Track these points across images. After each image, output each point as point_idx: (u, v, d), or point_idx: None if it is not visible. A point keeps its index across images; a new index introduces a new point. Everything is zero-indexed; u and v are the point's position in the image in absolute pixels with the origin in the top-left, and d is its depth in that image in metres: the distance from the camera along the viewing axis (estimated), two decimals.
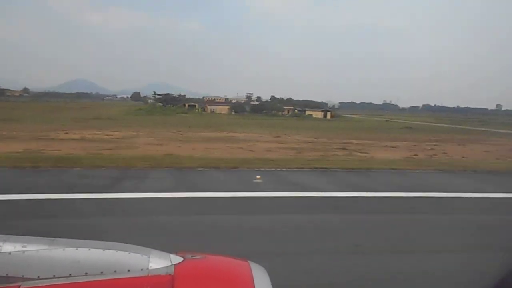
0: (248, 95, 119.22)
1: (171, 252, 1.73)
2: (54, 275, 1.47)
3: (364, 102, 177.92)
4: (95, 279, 1.48)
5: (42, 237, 1.65)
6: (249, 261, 1.82)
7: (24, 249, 1.52)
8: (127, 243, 1.69)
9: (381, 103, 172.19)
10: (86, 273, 1.49)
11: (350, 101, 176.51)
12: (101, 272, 1.50)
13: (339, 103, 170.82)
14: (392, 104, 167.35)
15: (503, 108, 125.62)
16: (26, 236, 1.64)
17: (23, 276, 1.45)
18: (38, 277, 1.46)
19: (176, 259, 1.68)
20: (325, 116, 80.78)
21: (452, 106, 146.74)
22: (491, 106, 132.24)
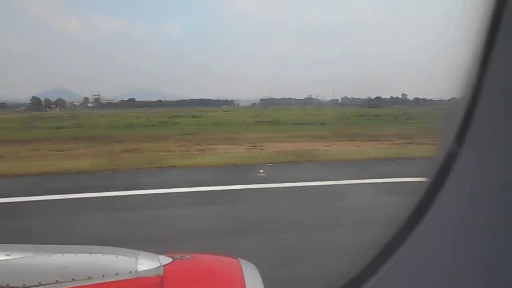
0: (95, 96, 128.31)
1: (160, 253, 1.72)
2: (40, 283, 1.44)
3: (284, 98, 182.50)
4: (83, 285, 1.46)
5: (27, 244, 1.61)
6: (239, 259, 1.81)
7: (8, 257, 1.49)
8: None
9: (303, 98, 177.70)
10: (73, 279, 1.47)
11: (270, 97, 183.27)
12: (89, 277, 1.48)
13: (260, 99, 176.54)
14: (314, 98, 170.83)
15: (408, 97, 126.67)
16: (10, 244, 1.60)
17: (8, 285, 1.42)
18: (24, 285, 1.43)
19: (165, 259, 1.66)
20: None
21: (364, 98, 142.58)
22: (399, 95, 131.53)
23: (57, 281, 1.44)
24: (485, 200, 0.87)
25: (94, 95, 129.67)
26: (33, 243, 1.63)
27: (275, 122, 37.10)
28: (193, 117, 50.82)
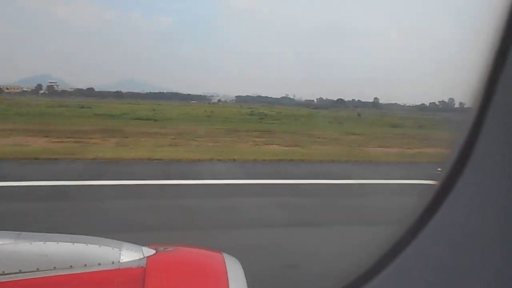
0: (51, 83, 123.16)
1: (143, 245, 1.70)
2: (20, 270, 1.41)
3: (259, 96, 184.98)
4: (64, 273, 1.43)
5: (8, 231, 1.58)
6: (222, 253, 1.82)
7: None
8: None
9: (279, 96, 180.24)
10: (54, 267, 1.44)
11: (246, 95, 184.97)
12: (71, 266, 1.46)
13: (236, 96, 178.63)
14: (290, 97, 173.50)
15: (380, 102, 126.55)
16: None
17: None
18: (3, 272, 1.40)
19: (148, 251, 1.65)
20: None
21: (335, 98, 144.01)
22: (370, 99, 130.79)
23: (38, 269, 1.41)
24: (493, 206, 0.88)
25: (51, 82, 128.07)
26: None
27: (115, 116, 35.52)
28: (81, 108, 49.26)
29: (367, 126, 36.40)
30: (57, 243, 1.52)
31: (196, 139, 18.91)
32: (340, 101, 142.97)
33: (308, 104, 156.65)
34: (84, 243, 1.55)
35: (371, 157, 14.38)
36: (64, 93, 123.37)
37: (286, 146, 17.18)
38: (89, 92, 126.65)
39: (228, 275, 1.58)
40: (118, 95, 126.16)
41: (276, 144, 17.82)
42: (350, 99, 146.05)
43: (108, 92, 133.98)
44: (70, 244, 1.53)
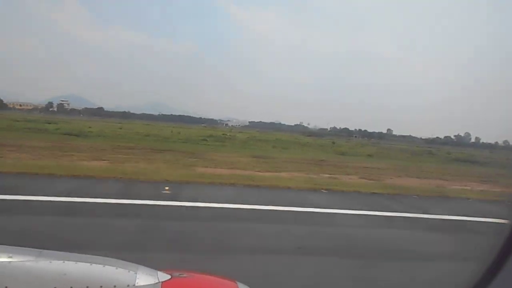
0: (63, 101, 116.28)
1: (158, 269, 1.71)
2: None
3: (273, 122, 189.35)
4: None
5: (29, 248, 1.59)
6: (236, 282, 1.83)
7: (10, 259, 1.47)
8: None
9: (293, 124, 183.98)
10: (71, 287, 1.46)
11: (259, 121, 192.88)
12: (87, 287, 1.48)
13: (249, 121, 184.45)
14: (304, 125, 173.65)
15: (393, 133, 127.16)
16: (13, 247, 1.58)
17: (6, 287, 1.40)
18: None
19: (164, 276, 1.66)
20: None
21: (353, 128, 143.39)
22: (384, 130, 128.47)
23: (55, 287, 1.43)
24: None
25: (62, 100, 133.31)
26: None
27: (45, 130, 35.24)
28: (48, 123, 49.96)
29: (312, 152, 34.21)
30: (75, 263, 1.54)
31: (45, 153, 17.51)
32: (346, 130, 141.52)
33: (320, 132, 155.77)
34: (101, 264, 1.58)
35: (171, 177, 12.29)
36: (73, 111, 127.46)
37: (111, 163, 15.38)
38: (99, 112, 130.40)
39: None
40: (124, 115, 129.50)
41: (104, 160, 16.08)
42: (358, 129, 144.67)
43: (115, 112, 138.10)
44: (88, 264, 1.55)
